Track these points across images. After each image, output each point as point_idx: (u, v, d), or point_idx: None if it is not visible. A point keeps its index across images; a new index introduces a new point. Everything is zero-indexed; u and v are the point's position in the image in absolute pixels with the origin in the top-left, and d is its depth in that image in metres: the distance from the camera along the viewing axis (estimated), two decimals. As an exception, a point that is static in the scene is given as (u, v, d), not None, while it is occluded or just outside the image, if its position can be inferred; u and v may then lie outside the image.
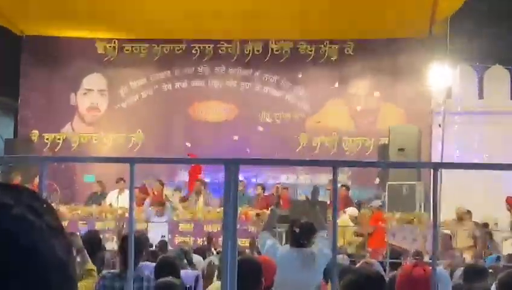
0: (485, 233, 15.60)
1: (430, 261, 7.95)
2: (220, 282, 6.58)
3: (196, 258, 10.10)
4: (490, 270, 7.99)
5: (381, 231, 14.69)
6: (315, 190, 15.90)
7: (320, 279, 7.28)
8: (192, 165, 16.61)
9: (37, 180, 13.05)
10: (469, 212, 15.64)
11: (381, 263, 10.56)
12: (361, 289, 4.71)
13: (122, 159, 3.74)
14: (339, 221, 14.55)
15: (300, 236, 7.44)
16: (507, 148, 17.97)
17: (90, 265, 6.64)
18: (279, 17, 18.01)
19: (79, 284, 5.96)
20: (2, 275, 0.98)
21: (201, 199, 16.98)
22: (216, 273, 8.48)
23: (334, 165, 2.89)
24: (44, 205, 1.07)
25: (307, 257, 7.31)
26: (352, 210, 15.65)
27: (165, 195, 16.66)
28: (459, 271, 9.21)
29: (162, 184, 17.11)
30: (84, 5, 17.50)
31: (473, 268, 8.49)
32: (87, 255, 6.90)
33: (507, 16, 19.23)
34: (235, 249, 2.71)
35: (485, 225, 15.76)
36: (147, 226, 15.05)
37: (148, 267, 6.53)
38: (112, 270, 6.59)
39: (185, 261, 9.21)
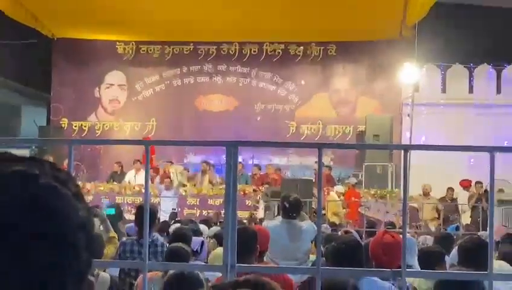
0: (449, 206, 15.68)
1: (400, 230, 8.01)
2: (221, 248, 6.62)
3: (202, 227, 10.11)
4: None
5: (355, 205, 14.77)
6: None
7: (307, 247, 7.30)
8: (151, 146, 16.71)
9: (66, 162, 13.00)
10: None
11: (358, 231, 10.63)
12: (342, 253, 4.73)
13: (139, 142, 3.76)
14: (329, 197, 14.63)
15: (290, 210, 7.47)
16: (465, 135, 18.02)
17: (112, 233, 6.66)
18: (272, 23, 17.98)
19: (103, 250, 6.00)
20: (34, 236, 0.98)
21: (206, 177, 17.03)
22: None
23: (319, 147, 2.91)
24: (66, 175, 1.07)
25: (295, 229, 7.33)
26: (338, 187, 15.70)
27: (170, 172, 16.68)
28: (423, 238, 9.27)
29: (171, 164, 17.18)
30: (106, 12, 17.44)
31: (441, 236, 8.53)
32: (110, 225, 6.93)
33: (467, 21, 19.24)
34: (235, 219, 2.73)
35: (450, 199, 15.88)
36: (159, 200, 15.13)
37: (158, 239, 6.53)
38: (131, 237, 6.59)
39: (193, 231, 9.24)
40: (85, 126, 20.54)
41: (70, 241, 1.03)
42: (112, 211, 6.28)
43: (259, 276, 1.61)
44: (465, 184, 15.56)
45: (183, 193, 16.25)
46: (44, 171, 1.04)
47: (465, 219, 15.39)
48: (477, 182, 15.43)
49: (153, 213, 6.56)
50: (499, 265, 5.18)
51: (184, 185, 16.54)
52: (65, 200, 1.03)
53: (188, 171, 17.91)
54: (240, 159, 15.93)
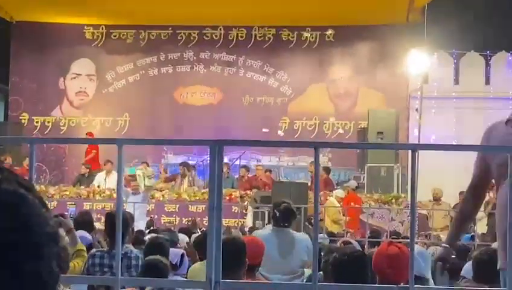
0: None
1: (407, 240, 8.01)
2: (201, 262, 6.63)
3: (181, 237, 10.12)
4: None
5: (356, 212, 14.78)
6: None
7: (301, 259, 7.31)
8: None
9: (26, 161, 13.04)
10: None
11: (360, 241, 10.66)
12: (345, 266, 4.74)
13: (110, 140, 3.75)
14: (327, 203, 14.64)
15: (281, 219, 7.49)
16: (481, 132, 18.05)
17: (80, 245, 6.64)
18: (262, 5, 18.01)
19: (70, 264, 5.99)
20: (1, 246, 0.99)
21: (185, 180, 17.02)
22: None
23: (316, 146, 2.92)
24: (28, 181, 1.08)
25: (287, 238, 7.35)
26: (338, 192, 15.73)
27: (136, 174, 16.62)
28: (433, 249, 9.28)
29: (148, 165, 17.16)
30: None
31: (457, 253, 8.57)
32: (77, 236, 6.92)
33: (482, 4, 19.31)
34: (220, 228, 2.73)
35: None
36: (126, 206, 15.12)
37: (133, 251, 6.53)
38: (101, 249, 6.60)
39: (170, 240, 9.25)
40: (48, 122, 20.51)
41: (41, 252, 1.03)
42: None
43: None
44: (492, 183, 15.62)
45: (161, 198, 16.22)
46: (5, 176, 1.05)
47: (481, 227, 15.44)
48: (493, 186, 15.47)
49: (126, 221, 6.55)
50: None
51: (148, 190, 16.48)
52: (33, 208, 1.04)
53: (166, 173, 17.91)
54: (225, 159, 15.92)
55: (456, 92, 19.85)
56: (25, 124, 20.12)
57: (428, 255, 6.83)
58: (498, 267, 4.63)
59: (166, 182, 17.22)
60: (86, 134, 18.08)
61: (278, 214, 7.52)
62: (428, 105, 17.93)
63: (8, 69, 20.86)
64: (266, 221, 11.70)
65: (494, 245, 8.35)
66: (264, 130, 19.17)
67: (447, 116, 18.70)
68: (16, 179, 1.06)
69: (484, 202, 16.01)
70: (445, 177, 15.65)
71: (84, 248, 6.71)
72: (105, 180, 16.67)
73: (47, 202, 1.13)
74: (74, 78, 20.70)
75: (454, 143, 16.04)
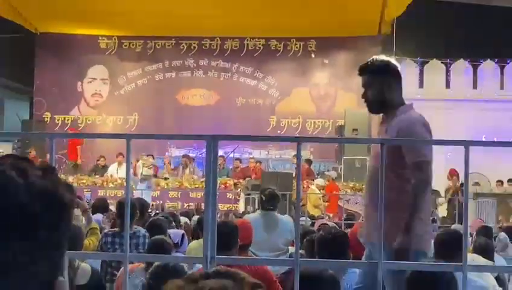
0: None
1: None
2: (199, 240, 6.63)
3: (182, 219, 10.11)
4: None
5: (335, 198, 14.79)
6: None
7: (285, 238, 7.31)
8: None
9: (48, 155, 12.95)
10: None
11: (337, 223, 10.66)
12: (328, 244, 4.75)
13: (120, 135, 3.75)
14: (309, 190, 14.64)
15: (267, 203, 7.50)
16: (441, 129, 18.11)
17: (94, 224, 6.64)
18: (253, 18, 17.99)
19: (85, 241, 5.98)
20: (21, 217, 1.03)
21: (187, 171, 17.05)
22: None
23: (298, 140, 2.92)
24: (27, 164, 1.10)
25: (272, 220, 7.36)
26: (319, 180, 15.73)
27: (137, 165, 16.54)
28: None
29: (153, 158, 17.13)
30: (89, 6, 17.37)
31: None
32: (91, 216, 6.91)
33: (445, 17, 19.34)
34: (215, 211, 2.73)
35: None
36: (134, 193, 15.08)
37: (140, 231, 6.52)
38: (113, 229, 6.58)
39: (173, 223, 9.23)
40: (68, 120, 20.46)
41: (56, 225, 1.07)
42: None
43: (229, 268, 1.62)
44: (453, 172, 15.61)
45: (165, 186, 16.24)
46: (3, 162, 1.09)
47: (442, 211, 15.50)
48: (453, 176, 15.55)
49: (134, 206, 6.54)
50: (472, 258, 5.22)
51: (146, 178, 16.42)
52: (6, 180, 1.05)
53: (170, 165, 17.92)
54: (221, 152, 15.93)
55: (420, 94, 19.87)
56: (48, 122, 20.04)
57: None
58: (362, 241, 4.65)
59: (170, 172, 17.26)
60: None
61: (264, 198, 7.54)
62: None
63: (33, 74, 20.79)
64: (256, 206, 11.68)
65: (454, 226, 8.39)
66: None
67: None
68: (13, 163, 1.09)
69: (445, 189, 16.08)
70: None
71: (98, 227, 6.71)
72: (117, 171, 16.67)
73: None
74: (90, 82, 20.65)
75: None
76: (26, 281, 1.04)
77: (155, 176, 16.77)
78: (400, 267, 4.18)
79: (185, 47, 20.47)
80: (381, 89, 4.68)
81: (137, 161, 16.45)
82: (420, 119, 4.72)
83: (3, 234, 1.03)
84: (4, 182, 1.05)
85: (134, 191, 14.90)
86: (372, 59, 5.04)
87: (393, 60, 5.30)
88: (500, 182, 16.45)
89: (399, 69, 5.15)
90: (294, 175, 14.25)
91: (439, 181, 16.27)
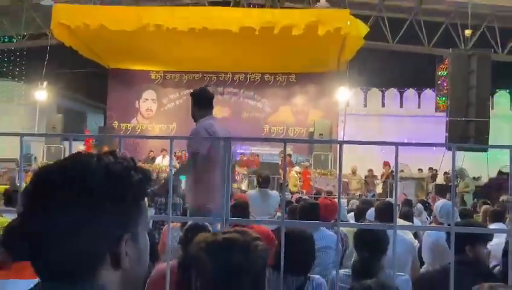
0: (369, 181, 15.83)
1: (335, 196, 8.12)
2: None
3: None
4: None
5: (308, 180, 14.82)
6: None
7: (274, 207, 7.35)
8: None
9: (117, 150, 13.00)
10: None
11: (309, 197, 10.68)
12: (309, 209, 4.77)
13: (165, 137, 3.76)
14: (290, 174, 14.64)
15: (262, 183, 7.56)
16: (378, 134, 18.15)
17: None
18: (253, 61, 18.04)
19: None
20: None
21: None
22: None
23: (285, 141, 2.91)
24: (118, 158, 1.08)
25: (265, 195, 7.40)
26: (296, 168, 15.73)
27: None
28: (352, 202, 9.30)
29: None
30: (143, 51, 17.36)
31: (363, 201, 8.58)
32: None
33: (381, 59, 19.35)
34: (229, 188, 2.73)
35: (369, 176, 16.04)
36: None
37: (179, 201, 6.51)
38: (160, 199, 6.58)
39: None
40: (129, 127, 20.39)
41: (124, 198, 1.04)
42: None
43: (242, 228, 1.63)
44: (386, 163, 15.69)
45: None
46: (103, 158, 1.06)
47: (379, 189, 15.54)
48: (386, 165, 15.62)
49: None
50: (399, 221, 5.24)
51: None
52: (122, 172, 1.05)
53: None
54: (232, 148, 15.90)
55: (364, 111, 19.94)
56: (116, 128, 19.99)
57: (344, 206, 6.89)
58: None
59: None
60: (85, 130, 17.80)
61: (260, 180, 7.61)
62: (349, 118, 17.96)
63: (106, 95, 20.77)
64: (255, 185, 11.68)
65: (387, 199, 8.40)
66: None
67: (358, 125, 18.74)
68: (112, 159, 1.07)
69: (380, 174, 15.90)
70: (359, 160, 15.68)
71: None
72: (162, 161, 16.68)
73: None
74: (144, 101, 20.56)
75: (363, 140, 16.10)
76: (98, 235, 1.00)
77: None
78: (353, 227, 4.17)
79: (208, 78, 20.36)
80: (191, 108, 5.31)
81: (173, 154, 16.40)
82: (203, 125, 4.99)
83: (85, 200, 0.99)
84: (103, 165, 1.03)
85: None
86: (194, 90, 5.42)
87: (207, 90, 5.55)
88: (420, 170, 16.47)
89: (201, 95, 5.39)
90: (280, 164, 14.26)
91: (377, 168, 16.35)
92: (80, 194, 0.98)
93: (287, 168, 15.07)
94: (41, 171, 1.03)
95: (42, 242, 0.99)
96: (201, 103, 5.01)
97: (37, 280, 1.05)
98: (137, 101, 20.61)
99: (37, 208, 0.98)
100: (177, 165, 16.19)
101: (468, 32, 15.76)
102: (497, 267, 3.80)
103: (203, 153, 4.56)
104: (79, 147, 15.67)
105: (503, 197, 9.34)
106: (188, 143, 4.82)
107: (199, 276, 1.47)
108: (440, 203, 6.51)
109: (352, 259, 3.59)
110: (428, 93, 20.06)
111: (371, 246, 3.30)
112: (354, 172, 15.98)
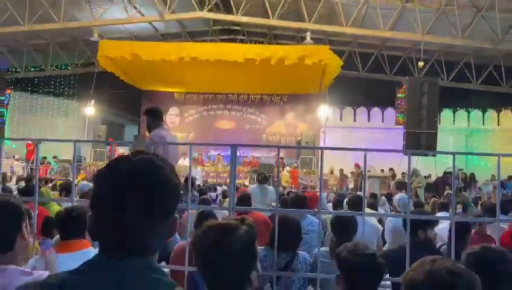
0: (343, 178, 15.78)
1: (317, 190, 8.11)
2: (226, 199, 6.63)
3: (218, 188, 10.08)
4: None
5: (296, 177, 14.79)
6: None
7: (270, 198, 7.33)
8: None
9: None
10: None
11: (297, 191, 10.64)
12: (297, 201, 4.76)
13: (185, 143, 3.76)
14: (282, 173, 14.61)
15: (261, 180, 7.52)
16: (351, 143, 18.11)
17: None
18: (254, 85, 18.10)
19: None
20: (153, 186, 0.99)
21: (220, 163, 17.01)
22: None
23: (278, 147, 2.91)
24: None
25: (264, 189, 7.37)
26: (287, 168, 15.70)
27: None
28: (330, 195, 9.27)
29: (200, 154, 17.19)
30: (169, 77, 17.42)
31: (339, 194, 8.53)
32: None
33: (353, 84, 19.32)
34: (235, 184, 2.73)
35: (341, 174, 15.99)
36: (195, 174, 14.96)
37: (196, 194, 6.48)
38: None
39: (212, 189, 9.22)
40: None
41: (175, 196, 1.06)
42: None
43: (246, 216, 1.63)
44: (357, 165, 15.65)
45: (208, 170, 16.21)
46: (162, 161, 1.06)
47: (351, 185, 15.48)
48: (357, 166, 15.57)
49: (193, 179, 6.52)
50: (367, 209, 5.22)
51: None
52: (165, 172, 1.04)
53: (210, 159, 17.87)
54: (237, 153, 15.86)
55: (340, 125, 19.91)
56: (147, 136, 19.90)
57: (324, 198, 6.87)
58: None
59: (212, 164, 17.19)
60: (109, 139, 17.80)
61: (260, 178, 7.55)
62: (328, 130, 17.92)
63: (140, 110, 20.72)
64: (255, 181, 11.66)
65: (358, 193, 8.38)
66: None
67: (335, 136, 18.70)
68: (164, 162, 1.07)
69: (351, 173, 15.80)
70: (336, 162, 15.68)
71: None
72: (183, 161, 16.64)
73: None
74: (169, 115, 20.49)
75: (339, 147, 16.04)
76: (159, 235, 1.02)
77: (202, 165, 16.71)
78: (331, 214, 4.14)
79: (219, 98, 20.36)
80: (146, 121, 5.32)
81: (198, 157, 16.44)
82: (155, 133, 5.12)
83: (145, 201, 0.97)
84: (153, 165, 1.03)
85: (193, 174, 14.82)
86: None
87: (157, 108, 5.53)
88: (382, 170, 16.45)
89: (153, 112, 5.37)
90: (275, 165, 14.22)
91: (350, 169, 16.30)
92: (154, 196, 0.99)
93: (280, 168, 15.04)
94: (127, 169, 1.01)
95: (125, 225, 0.96)
96: (154, 117, 5.08)
97: (80, 252, 1.03)
98: (164, 116, 20.51)
99: (125, 202, 0.96)
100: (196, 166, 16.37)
101: (420, 63, 15.78)
102: (443, 246, 3.79)
103: (160, 153, 4.59)
104: (118, 150, 15.65)
105: (447, 192, 9.34)
106: (146, 147, 4.88)
107: (194, 249, 1.51)
108: (398, 196, 6.52)
109: (330, 239, 3.58)
110: (390, 110, 20.00)
111: (344, 228, 3.29)
112: (331, 172, 15.95)
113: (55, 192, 6.99)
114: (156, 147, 4.67)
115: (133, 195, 0.96)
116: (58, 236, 2.82)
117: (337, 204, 6.00)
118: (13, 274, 1.58)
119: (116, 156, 1.11)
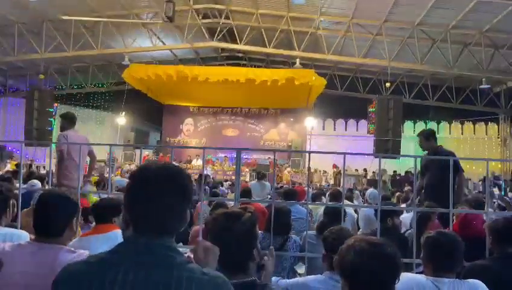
0: (325, 176, 15.72)
1: (305, 185, 8.06)
2: (233, 194, 6.61)
3: (225, 183, 10.04)
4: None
5: (288, 175, 14.74)
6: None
7: (267, 192, 7.30)
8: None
9: (168, 156, 12.99)
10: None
11: (289, 186, 10.59)
12: (289, 194, 4.74)
13: (199, 147, 3.75)
14: (284, 173, 14.50)
15: (260, 177, 7.49)
16: (332, 148, 18.11)
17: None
18: (254, 100, 18.07)
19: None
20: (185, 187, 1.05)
21: (226, 163, 16.97)
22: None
23: (274, 151, 2.92)
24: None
25: (262, 184, 7.35)
26: (289, 169, 15.66)
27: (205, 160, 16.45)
28: (315, 190, 9.23)
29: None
30: (185, 94, 17.40)
31: (321, 188, 8.50)
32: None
33: (335, 100, 19.32)
34: (239, 180, 2.73)
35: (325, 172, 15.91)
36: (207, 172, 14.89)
37: (207, 187, 6.45)
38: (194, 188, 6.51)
39: (220, 184, 9.19)
40: (176, 141, 20.28)
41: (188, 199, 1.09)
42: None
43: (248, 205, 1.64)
44: (334, 166, 15.63)
45: (215, 169, 16.15)
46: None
47: (332, 182, 15.45)
48: (334, 167, 15.54)
49: (206, 177, 6.49)
50: (345, 202, 5.20)
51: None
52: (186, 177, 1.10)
53: (218, 160, 17.80)
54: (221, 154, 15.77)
55: (322, 133, 19.90)
56: (168, 141, 19.86)
57: (310, 192, 6.84)
58: None
59: (220, 165, 17.12)
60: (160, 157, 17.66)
61: (259, 174, 7.53)
62: (313, 137, 17.91)
63: (162, 121, 20.72)
64: (255, 178, 11.64)
65: (337, 188, 8.34)
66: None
67: (319, 142, 18.69)
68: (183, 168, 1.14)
69: (332, 172, 15.63)
70: (319, 163, 15.65)
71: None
72: (196, 162, 16.59)
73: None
74: (185, 125, 20.37)
75: (323, 151, 16.07)
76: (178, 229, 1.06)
77: (212, 165, 16.62)
78: (316, 205, 4.11)
79: (225, 111, 20.26)
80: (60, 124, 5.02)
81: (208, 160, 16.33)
82: (61, 134, 4.82)
83: (168, 200, 1.01)
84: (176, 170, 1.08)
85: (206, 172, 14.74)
86: None
87: (68, 113, 5.21)
88: (357, 170, 16.43)
89: (65, 117, 5.09)
90: (270, 165, 14.19)
91: (329, 168, 16.29)
92: (178, 187, 1.04)
93: (282, 169, 15.06)
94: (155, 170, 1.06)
95: (157, 211, 1.00)
96: (65, 121, 5.00)
97: (112, 232, 1.03)
98: (181, 125, 20.55)
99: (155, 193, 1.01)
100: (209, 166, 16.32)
101: (388, 84, 15.85)
102: (407, 231, 3.79)
103: (65, 150, 4.62)
104: (144, 152, 15.63)
105: (407, 188, 9.34)
106: (57, 145, 4.78)
107: (208, 232, 1.52)
108: (369, 191, 6.50)
109: (316, 224, 3.58)
110: (363, 122, 19.97)
111: (328, 216, 3.29)
112: (315, 171, 15.93)
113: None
114: (61, 145, 4.69)
115: (172, 187, 1.02)
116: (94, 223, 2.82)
117: (318, 196, 5.99)
118: (60, 251, 1.60)
119: (143, 157, 1.14)
